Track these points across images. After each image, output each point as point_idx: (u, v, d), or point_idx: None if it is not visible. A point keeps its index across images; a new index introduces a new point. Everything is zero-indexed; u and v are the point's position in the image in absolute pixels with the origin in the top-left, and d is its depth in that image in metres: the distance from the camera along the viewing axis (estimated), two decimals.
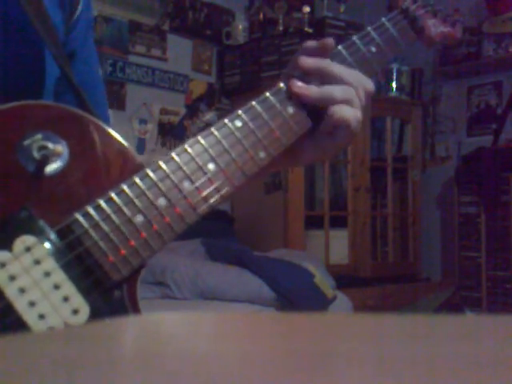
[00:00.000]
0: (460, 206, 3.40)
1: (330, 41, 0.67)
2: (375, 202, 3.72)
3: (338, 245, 3.38)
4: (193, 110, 3.53)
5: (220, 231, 3.16)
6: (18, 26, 0.67)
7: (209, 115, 3.45)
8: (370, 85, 0.67)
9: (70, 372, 0.22)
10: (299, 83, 0.65)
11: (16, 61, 0.68)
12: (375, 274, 3.43)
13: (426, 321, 0.33)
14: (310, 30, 3.39)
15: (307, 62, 0.66)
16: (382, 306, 3.15)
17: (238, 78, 3.61)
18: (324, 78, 0.65)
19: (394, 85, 3.65)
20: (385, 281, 3.39)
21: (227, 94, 3.62)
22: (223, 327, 0.33)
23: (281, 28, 3.50)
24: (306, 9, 3.45)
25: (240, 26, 3.67)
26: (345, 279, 3.11)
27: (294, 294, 2.53)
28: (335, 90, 0.64)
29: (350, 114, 0.64)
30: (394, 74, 3.65)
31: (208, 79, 3.66)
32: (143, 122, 3.36)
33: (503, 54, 3.43)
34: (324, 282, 2.69)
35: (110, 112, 0.82)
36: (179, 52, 3.51)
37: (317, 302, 2.58)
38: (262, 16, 3.63)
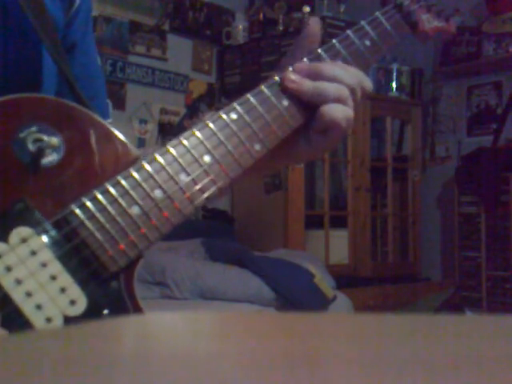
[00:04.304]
0: (460, 205, 3.39)
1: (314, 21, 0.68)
2: (375, 202, 3.72)
3: (338, 245, 3.38)
4: (193, 109, 3.53)
5: (220, 231, 3.16)
6: (17, 21, 0.67)
7: (209, 115, 3.44)
8: (367, 82, 0.67)
9: (70, 372, 0.22)
10: (293, 76, 0.65)
11: (14, 57, 0.68)
12: (375, 274, 3.43)
13: (426, 321, 0.33)
14: None
15: (301, 67, 0.66)
16: (382, 306, 3.15)
17: (237, 78, 3.61)
18: (319, 78, 0.65)
19: (393, 85, 3.65)
20: (385, 281, 3.38)
21: (227, 94, 3.62)
22: (223, 327, 0.33)
23: (281, 28, 3.50)
24: (306, 9, 3.45)
25: (240, 26, 3.67)
26: (345, 279, 3.10)
27: (293, 294, 2.53)
28: (329, 88, 0.64)
29: (342, 114, 0.64)
30: (394, 74, 3.64)
31: (208, 79, 3.66)
32: (143, 122, 3.36)
33: (503, 53, 3.43)
34: (324, 282, 2.69)
35: (110, 109, 0.83)
36: (179, 52, 3.51)
37: (317, 302, 2.58)
38: (261, 16, 3.63)
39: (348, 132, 0.66)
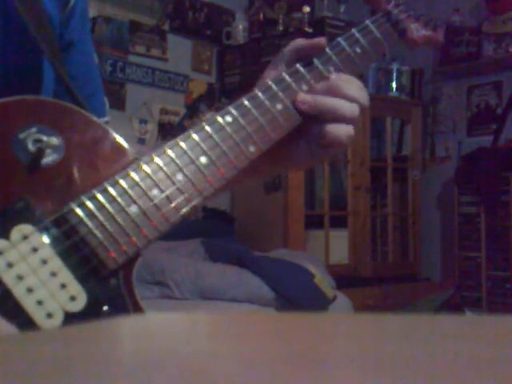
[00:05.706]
0: (460, 206, 3.39)
1: (322, 41, 0.70)
2: (375, 202, 3.72)
3: (338, 245, 3.38)
4: (193, 109, 3.53)
5: (220, 231, 3.16)
6: (17, 23, 0.67)
7: (209, 115, 3.44)
8: (366, 101, 0.68)
9: (69, 372, 0.22)
10: (308, 98, 0.67)
11: (15, 59, 0.69)
12: (375, 274, 3.43)
13: (426, 321, 0.33)
14: (310, 30, 3.39)
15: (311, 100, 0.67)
16: (382, 306, 3.15)
17: (237, 78, 3.61)
18: (337, 96, 0.67)
19: (393, 85, 3.65)
20: (385, 281, 3.38)
21: (227, 94, 3.62)
22: (222, 327, 0.33)
23: (281, 28, 3.50)
24: (306, 9, 3.45)
25: (240, 26, 3.66)
26: (345, 279, 3.10)
27: (293, 293, 2.53)
28: (343, 107, 0.66)
29: (345, 133, 0.66)
30: (394, 74, 3.64)
31: (208, 79, 3.66)
32: (143, 121, 3.36)
33: (503, 53, 3.43)
34: (324, 282, 2.69)
35: (110, 111, 0.83)
36: (179, 52, 3.51)
37: (317, 302, 2.58)
38: (261, 16, 3.63)
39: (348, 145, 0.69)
